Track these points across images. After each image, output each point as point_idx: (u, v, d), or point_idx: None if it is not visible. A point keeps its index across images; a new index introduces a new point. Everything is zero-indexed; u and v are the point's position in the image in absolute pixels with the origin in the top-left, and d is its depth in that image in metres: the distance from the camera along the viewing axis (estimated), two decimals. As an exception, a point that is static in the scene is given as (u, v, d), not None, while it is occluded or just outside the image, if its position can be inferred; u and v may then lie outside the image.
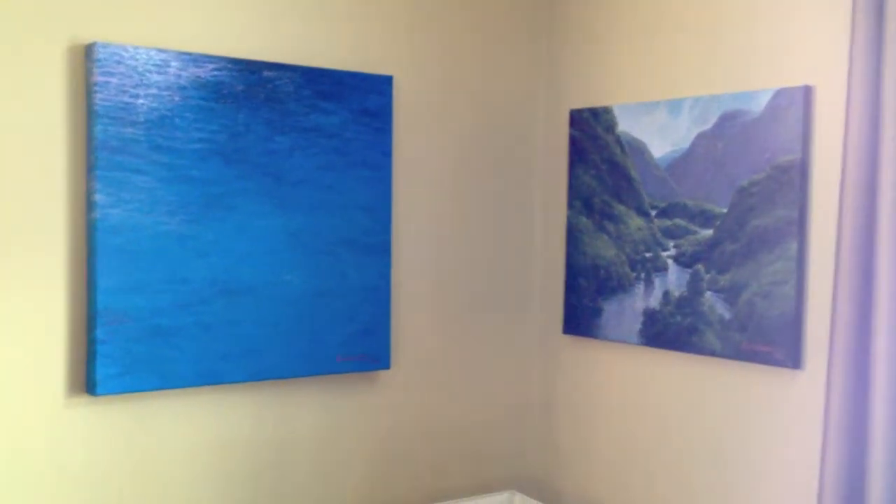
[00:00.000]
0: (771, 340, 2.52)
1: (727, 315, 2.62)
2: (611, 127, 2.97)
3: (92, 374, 2.39)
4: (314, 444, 2.84)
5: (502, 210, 3.21)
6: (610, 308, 2.98)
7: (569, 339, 3.18)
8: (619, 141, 2.95)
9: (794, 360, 2.47)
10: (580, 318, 3.09)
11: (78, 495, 2.45)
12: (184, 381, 2.51)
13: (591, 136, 3.04)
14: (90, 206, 2.38)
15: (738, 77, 2.63)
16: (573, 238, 3.11)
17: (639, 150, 2.88)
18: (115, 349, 2.41)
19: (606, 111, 2.99)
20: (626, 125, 2.92)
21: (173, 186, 2.47)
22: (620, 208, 2.95)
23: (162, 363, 2.48)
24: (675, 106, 2.77)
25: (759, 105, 2.54)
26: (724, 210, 2.63)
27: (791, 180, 2.46)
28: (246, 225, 2.60)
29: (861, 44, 2.17)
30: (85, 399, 2.45)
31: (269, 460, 2.75)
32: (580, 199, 3.08)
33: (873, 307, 2.17)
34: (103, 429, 2.48)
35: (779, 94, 2.49)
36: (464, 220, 3.12)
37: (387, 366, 2.87)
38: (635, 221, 2.90)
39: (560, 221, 3.21)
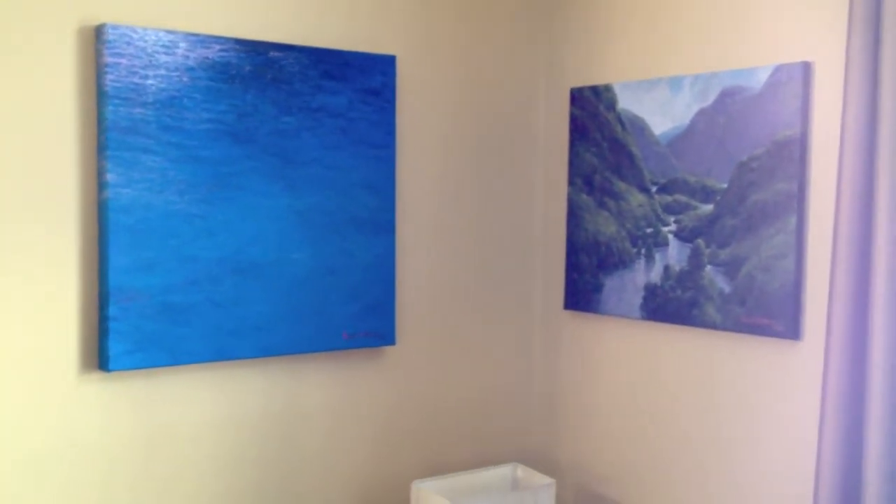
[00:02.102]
0: (771, 313, 2.57)
1: (727, 288, 2.67)
2: (611, 105, 3.01)
3: (105, 350, 2.43)
4: (322, 419, 2.89)
5: (504, 188, 3.25)
6: (611, 283, 3.03)
7: (570, 314, 3.23)
8: (619, 118, 2.99)
9: (793, 331, 2.52)
10: (581, 294, 3.13)
11: (91, 470, 2.50)
12: (194, 357, 2.56)
13: (591, 113, 3.08)
14: (101, 185, 2.42)
15: (737, 54, 2.67)
16: (574, 215, 3.15)
17: (639, 127, 2.92)
18: (127, 326, 2.45)
19: (607, 89, 3.02)
20: (626, 103, 2.96)
21: (183, 166, 2.51)
22: (621, 185, 2.99)
23: (173, 340, 2.52)
24: (675, 83, 2.81)
25: (759, 81, 2.58)
26: (725, 185, 2.67)
27: (791, 155, 2.51)
28: (254, 204, 2.63)
29: (859, 19, 2.21)
30: (97, 375, 2.49)
31: (279, 434, 2.80)
32: (581, 177, 3.12)
33: (871, 278, 2.22)
34: (116, 404, 2.52)
35: (778, 70, 2.53)
36: (465, 198, 3.16)
37: (392, 342, 2.92)
38: (636, 198, 2.94)
39: (561, 199, 3.25)
